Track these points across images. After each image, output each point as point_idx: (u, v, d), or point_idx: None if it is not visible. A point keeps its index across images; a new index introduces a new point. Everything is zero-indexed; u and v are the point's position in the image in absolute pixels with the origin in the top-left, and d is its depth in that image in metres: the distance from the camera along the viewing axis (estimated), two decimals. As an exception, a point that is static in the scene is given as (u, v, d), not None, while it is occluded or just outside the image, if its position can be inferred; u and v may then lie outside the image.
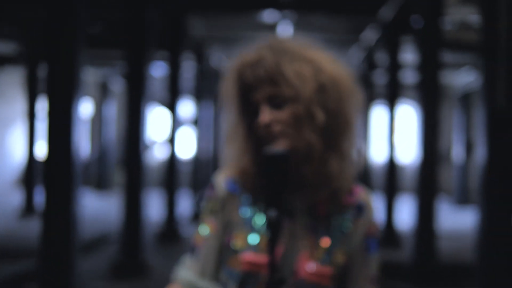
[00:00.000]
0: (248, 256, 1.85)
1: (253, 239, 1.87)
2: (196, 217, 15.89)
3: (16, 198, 20.17)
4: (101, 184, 23.61)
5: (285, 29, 15.13)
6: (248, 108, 1.89)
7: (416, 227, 9.64)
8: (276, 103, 1.82)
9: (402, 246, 12.14)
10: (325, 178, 1.84)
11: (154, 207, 13.60)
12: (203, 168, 16.83)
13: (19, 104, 26.32)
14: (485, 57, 6.82)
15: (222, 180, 1.95)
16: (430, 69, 9.60)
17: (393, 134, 12.81)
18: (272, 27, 15.20)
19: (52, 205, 6.79)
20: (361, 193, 1.96)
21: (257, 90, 1.84)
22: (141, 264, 9.50)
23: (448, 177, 23.42)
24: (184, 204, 15.62)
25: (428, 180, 9.59)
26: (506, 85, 6.54)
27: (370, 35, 14.86)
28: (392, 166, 12.79)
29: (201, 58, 16.77)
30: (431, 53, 9.60)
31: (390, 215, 12.80)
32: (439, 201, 21.36)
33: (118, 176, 25.49)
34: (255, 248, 1.86)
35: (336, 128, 1.84)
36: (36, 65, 16.73)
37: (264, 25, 15.07)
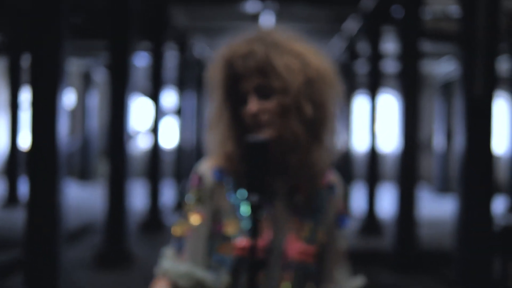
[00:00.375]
0: (242, 242, 1.94)
1: (246, 224, 1.95)
2: (179, 207, 16.02)
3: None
4: (84, 174, 23.59)
5: (267, 19, 15.20)
6: (234, 97, 1.97)
7: (396, 215, 9.78)
8: (264, 93, 1.91)
9: (384, 234, 12.28)
10: (307, 165, 1.94)
11: (137, 196, 13.65)
12: (186, 158, 16.87)
13: (1, 94, 26.27)
14: (464, 47, 6.93)
15: (208, 170, 2.02)
16: (410, 59, 9.72)
17: (374, 123, 12.92)
18: (254, 17, 15.27)
19: (36, 195, 6.84)
20: (331, 175, 2.06)
21: (246, 80, 1.93)
22: (125, 253, 9.56)
23: (430, 165, 23.67)
24: (167, 194, 15.68)
25: (409, 168, 9.72)
26: (483, 75, 6.67)
27: (351, 25, 14.96)
28: (373, 155, 12.91)
29: (183, 48, 16.78)
30: (411, 43, 9.73)
31: (371, 204, 12.93)
32: (420, 189, 21.53)
33: (101, 167, 25.51)
34: (242, 234, 1.95)
35: (320, 120, 1.94)
36: (19, 55, 16.72)
37: (246, 15, 15.13)
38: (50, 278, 6.79)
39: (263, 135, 1.88)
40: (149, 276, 8.19)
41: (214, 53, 2.03)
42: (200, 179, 2.01)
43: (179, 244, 2.01)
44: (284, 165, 1.94)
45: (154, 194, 12.86)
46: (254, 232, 1.72)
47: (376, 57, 12.80)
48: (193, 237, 2.00)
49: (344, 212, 2.08)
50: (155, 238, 11.98)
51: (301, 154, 1.92)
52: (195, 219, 2.00)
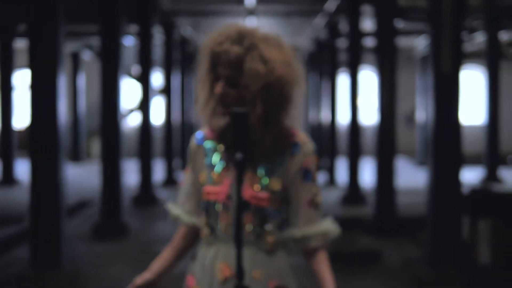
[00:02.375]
0: (208, 188, 2.53)
1: (210, 175, 2.54)
2: (168, 182, 16.70)
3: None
4: (74, 155, 23.95)
5: (250, 2, 15.70)
6: (213, 76, 2.50)
7: (376, 185, 10.40)
8: (231, 83, 2.44)
9: (367, 203, 12.94)
10: (258, 141, 2.45)
11: (129, 173, 14.19)
12: (174, 135, 17.39)
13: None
14: (432, 25, 7.49)
15: (194, 136, 2.64)
16: (386, 36, 10.29)
17: (355, 98, 13.44)
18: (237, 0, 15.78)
19: (39, 172, 7.35)
20: (299, 135, 2.55)
21: (222, 68, 2.45)
22: (120, 225, 10.14)
23: (414, 138, 24.29)
24: (157, 170, 16.22)
25: (386, 141, 10.30)
26: (449, 52, 7.22)
27: (332, 4, 15.44)
28: (355, 129, 13.45)
29: (169, 30, 17.25)
30: (387, 20, 10.28)
31: (354, 175, 13.54)
32: (403, 162, 22.16)
33: (93, 146, 25.97)
34: (212, 182, 2.53)
35: (275, 110, 2.45)
36: (11, 38, 17.16)
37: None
38: (53, 249, 7.33)
39: (240, 108, 2.36)
40: (142, 245, 8.88)
41: (203, 41, 2.55)
42: (190, 143, 2.65)
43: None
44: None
45: (146, 170, 13.39)
46: (239, 181, 2.26)
47: (355, 34, 13.27)
48: (184, 186, 2.67)
49: (309, 167, 2.55)
50: (147, 211, 12.58)
51: (255, 134, 2.43)
52: (186, 173, 2.67)
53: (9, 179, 16.96)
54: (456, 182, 7.47)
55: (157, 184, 14.99)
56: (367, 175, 14.64)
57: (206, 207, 2.54)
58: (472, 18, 16.28)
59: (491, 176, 16.95)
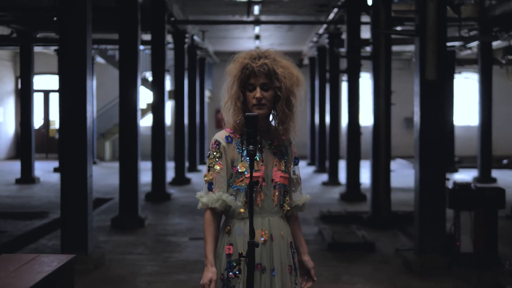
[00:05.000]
0: (248, 174, 3.32)
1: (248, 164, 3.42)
2: (178, 181, 17.66)
3: (12, 168, 21.60)
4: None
5: (255, 10, 16.58)
6: (245, 87, 3.38)
7: (371, 184, 11.33)
8: (265, 88, 3.35)
9: (366, 200, 13.86)
10: (280, 130, 3.42)
11: (141, 171, 15.10)
12: (181, 137, 18.19)
13: (9, 82, 27.60)
14: (418, 37, 8.33)
15: (222, 137, 3.43)
16: (379, 43, 11.20)
17: (355, 102, 14.26)
18: (242, 6, 16.64)
19: (68, 170, 8.12)
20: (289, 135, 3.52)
21: (256, 78, 3.35)
22: (137, 219, 11.07)
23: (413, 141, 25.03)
24: (167, 170, 17.10)
25: (382, 142, 11.16)
26: (435, 60, 8.06)
27: (334, 15, 16.28)
28: (354, 132, 14.29)
29: (179, 37, 18.12)
30: (380, 29, 11.17)
31: (354, 174, 14.43)
32: (404, 163, 22.93)
33: (104, 148, 26.81)
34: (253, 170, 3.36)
35: (294, 107, 3.40)
36: (31, 44, 18.08)
37: (236, 3, 16.51)
38: (81, 237, 8.10)
39: (260, 113, 3.30)
40: (157, 236, 9.87)
41: (234, 58, 3.44)
42: (217, 142, 3.42)
43: (209, 186, 3.40)
44: (267, 128, 3.42)
45: (159, 170, 14.30)
46: (251, 166, 3.16)
47: (354, 42, 14.10)
48: (218, 177, 3.40)
49: (296, 155, 3.56)
50: (160, 207, 13.51)
51: (280, 123, 3.40)
52: (218, 167, 3.42)
53: (29, 177, 17.92)
54: (441, 179, 8.28)
55: (167, 183, 15.89)
56: (367, 175, 15.49)
57: (247, 189, 3.32)
58: (467, 27, 17.14)
59: (485, 177, 17.75)
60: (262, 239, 3.32)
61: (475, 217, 8.34)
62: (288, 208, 3.47)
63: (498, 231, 8.44)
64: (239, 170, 3.37)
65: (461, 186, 8.44)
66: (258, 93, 3.32)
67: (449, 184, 8.53)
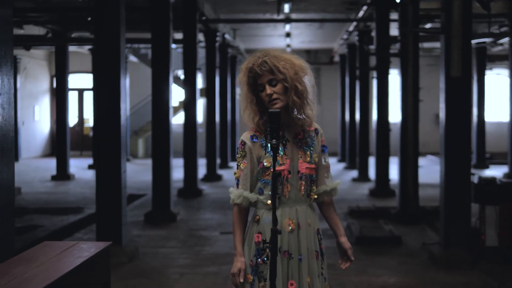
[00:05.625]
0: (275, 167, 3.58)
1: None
2: (209, 177, 17.98)
3: (47, 165, 22.10)
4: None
5: (285, 8, 16.77)
6: (255, 88, 3.63)
7: (400, 179, 11.49)
8: (273, 84, 3.56)
9: (396, 196, 14.01)
10: (301, 120, 3.62)
11: (174, 168, 15.42)
12: (212, 134, 18.48)
13: (45, 80, 28.19)
14: (444, 35, 8.49)
15: (247, 137, 3.67)
16: (407, 40, 11.35)
17: (384, 99, 14.42)
18: (272, 5, 16.85)
19: (104, 167, 8.40)
20: (315, 124, 3.73)
21: (262, 78, 3.58)
22: (169, 214, 11.37)
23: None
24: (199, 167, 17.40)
25: (410, 139, 11.32)
26: (460, 58, 8.21)
27: (364, 12, 16.43)
28: (383, 128, 14.41)
29: (211, 36, 18.41)
30: (407, 26, 11.32)
31: (383, 170, 14.58)
32: (434, 160, 22.93)
33: (137, 146, 27.23)
34: (278, 164, 3.58)
35: (303, 93, 3.60)
36: (65, 44, 18.51)
37: (266, 1, 16.74)
38: (115, 231, 8.36)
39: (276, 107, 3.52)
40: (188, 230, 10.15)
41: (242, 64, 3.69)
42: (243, 143, 3.67)
43: (237, 182, 3.68)
44: (289, 121, 3.63)
45: (190, 166, 14.59)
46: (274, 159, 3.38)
47: (384, 40, 14.22)
48: (242, 175, 3.66)
49: (324, 143, 3.74)
50: (191, 202, 13.80)
51: (297, 113, 3.60)
52: (242, 165, 3.67)
53: (64, 174, 18.37)
54: (466, 174, 8.42)
55: (199, 179, 16.19)
56: (396, 171, 15.62)
57: (274, 180, 3.50)
58: (498, 23, 17.18)
59: (515, 173, 17.77)
60: (290, 227, 3.53)
61: (500, 212, 8.47)
62: (315, 196, 3.66)
63: (524, 225, 8.58)
64: (265, 165, 3.59)
65: (486, 181, 8.58)
66: (268, 90, 3.54)
67: (475, 179, 8.68)
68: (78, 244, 3.60)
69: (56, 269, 3.14)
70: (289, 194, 3.57)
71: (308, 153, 3.63)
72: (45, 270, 3.13)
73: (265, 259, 3.49)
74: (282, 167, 3.56)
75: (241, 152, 3.64)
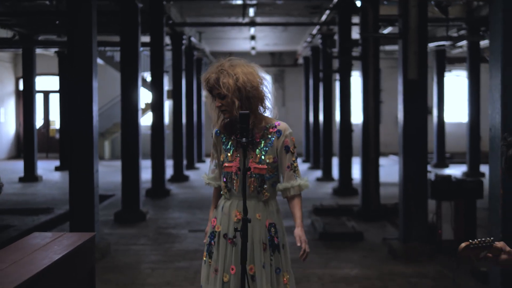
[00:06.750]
0: (226, 164, 4.01)
1: (227, 156, 4.02)
2: (176, 178, 18.30)
3: (14, 167, 22.17)
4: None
5: (250, 9, 17.12)
6: (213, 97, 4.01)
7: (361, 179, 11.95)
8: (221, 97, 3.93)
9: (358, 194, 14.47)
10: (262, 123, 3.99)
11: (143, 169, 15.70)
12: (179, 136, 18.69)
13: (9, 83, 28.15)
14: (401, 39, 8.92)
15: (214, 130, 4.10)
16: (367, 44, 11.81)
17: (346, 101, 14.85)
18: (238, 6, 17.18)
19: (76, 168, 8.61)
20: (280, 125, 4.05)
21: (214, 89, 3.96)
22: (138, 213, 11.68)
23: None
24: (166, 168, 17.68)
25: (371, 139, 11.78)
26: (416, 61, 8.66)
27: (327, 16, 16.85)
28: (345, 129, 14.87)
29: (177, 39, 18.71)
30: (368, 30, 11.79)
31: (345, 170, 15.03)
32: (397, 160, 23.31)
33: (103, 148, 27.32)
34: (228, 160, 4.00)
35: (252, 102, 3.93)
36: (32, 46, 18.66)
37: (232, 5, 17.07)
38: (88, 229, 8.44)
39: (225, 117, 3.96)
40: (158, 229, 10.49)
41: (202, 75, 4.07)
42: (213, 133, 4.11)
43: (209, 167, 4.17)
44: (254, 123, 3.97)
45: (158, 167, 14.87)
46: (244, 156, 3.75)
47: (346, 43, 14.66)
48: (212, 163, 4.15)
49: (288, 144, 4.02)
50: (160, 202, 14.12)
51: (255, 118, 3.95)
52: (212, 154, 4.13)
53: (32, 176, 18.51)
54: (423, 172, 8.87)
55: (166, 179, 16.48)
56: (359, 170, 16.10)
57: (225, 176, 4.01)
58: (456, 27, 17.77)
59: (473, 172, 18.34)
60: (236, 218, 3.93)
61: (455, 207, 8.95)
62: (268, 194, 3.99)
63: (478, 220, 9.07)
64: (220, 160, 4.06)
65: (442, 178, 9.07)
66: (217, 102, 3.93)
67: (431, 177, 9.14)
68: (66, 234, 3.93)
69: (47, 257, 3.47)
70: (239, 189, 3.95)
71: (259, 154, 3.96)
72: (37, 256, 3.46)
73: (213, 242, 3.98)
74: (231, 164, 3.98)
75: (213, 141, 4.11)
